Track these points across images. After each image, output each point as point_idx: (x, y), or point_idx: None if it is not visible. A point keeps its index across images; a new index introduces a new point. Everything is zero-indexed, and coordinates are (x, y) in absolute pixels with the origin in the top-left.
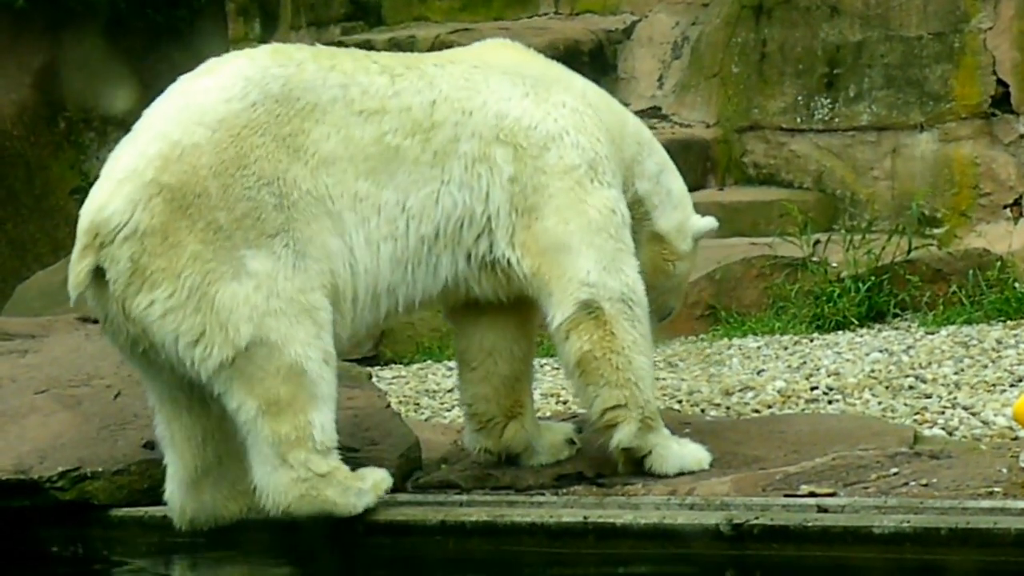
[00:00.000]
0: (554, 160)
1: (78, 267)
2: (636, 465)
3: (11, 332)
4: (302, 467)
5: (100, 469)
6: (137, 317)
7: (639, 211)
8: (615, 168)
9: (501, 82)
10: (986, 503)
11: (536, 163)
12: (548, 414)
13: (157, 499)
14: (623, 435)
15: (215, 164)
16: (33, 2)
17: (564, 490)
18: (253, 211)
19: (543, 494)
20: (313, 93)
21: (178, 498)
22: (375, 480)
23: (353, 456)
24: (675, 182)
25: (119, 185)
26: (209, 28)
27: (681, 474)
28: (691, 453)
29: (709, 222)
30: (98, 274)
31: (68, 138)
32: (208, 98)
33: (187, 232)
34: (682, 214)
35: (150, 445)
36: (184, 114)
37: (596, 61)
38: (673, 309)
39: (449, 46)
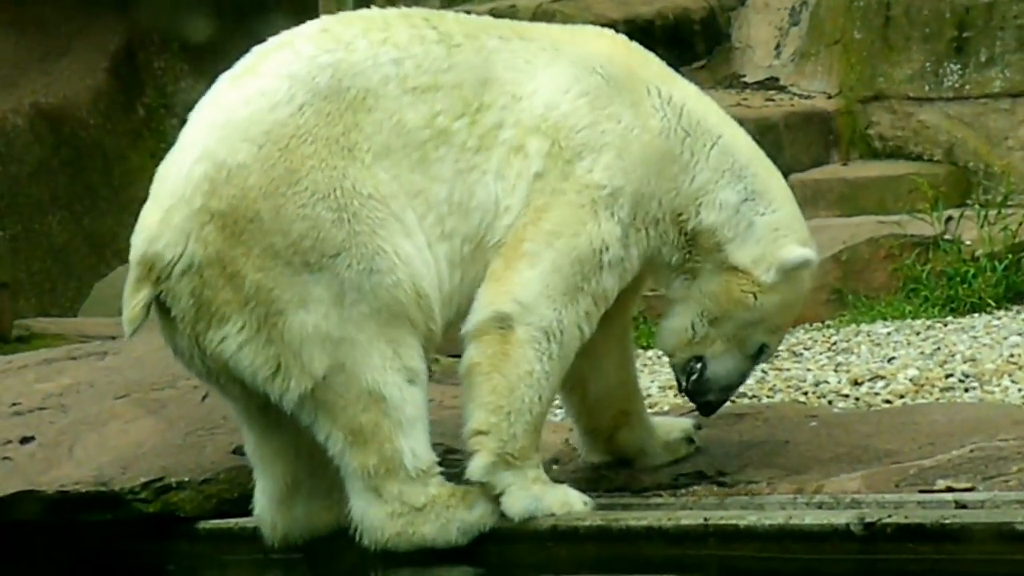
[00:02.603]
0: (582, 171)
1: (133, 300)
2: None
3: (89, 333)
4: (396, 501)
5: (186, 479)
6: (213, 353)
7: (708, 241)
8: (636, 204)
9: (564, 72)
10: None
11: (566, 167)
12: (666, 408)
13: (248, 510)
14: (474, 466)
15: (264, 184)
16: None
17: (683, 491)
18: (311, 231)
19: (660, 495)
20: (363, 77)
21: (269, 514)
22: (482, 512)
23: (457, 459)
24: (763, 215)
25: (168, 214)
26: (297, 3)
27: (530, 518)
28: (554, 497)
29: (799, 256)
30: (161, 307)
31: (148, 125)
32: (251, 108)
33: (244, 260)
34: (764, 248)
35: (240, 451)
36: (227, 129)
37: (708, 30)
38: (765, 346)
39: (552, 16)
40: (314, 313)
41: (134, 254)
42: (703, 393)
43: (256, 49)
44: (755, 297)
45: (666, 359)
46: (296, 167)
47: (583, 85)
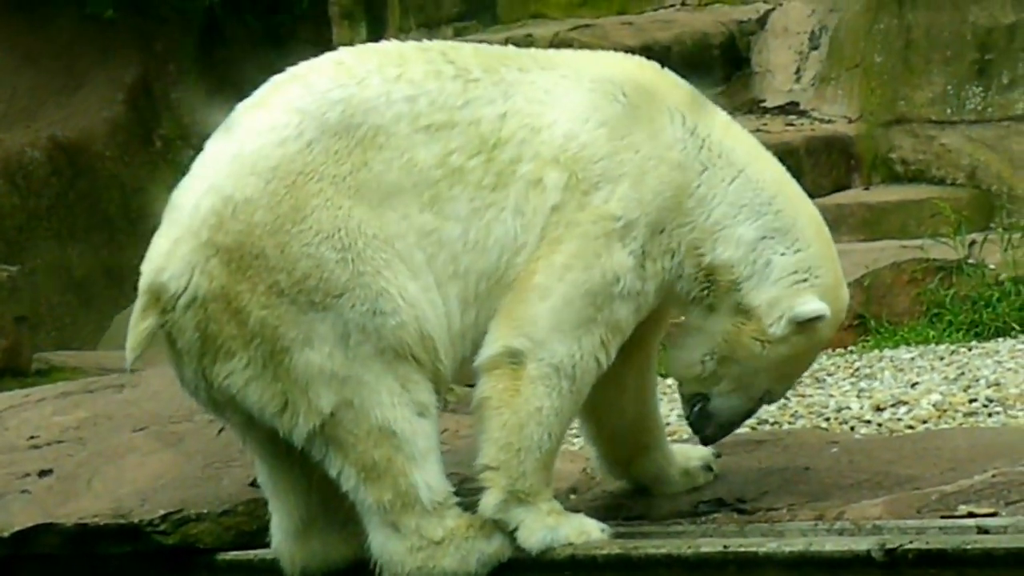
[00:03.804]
0: (599, 202)
1: (138, 328)
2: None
3: (108, 366)
4: (414, 535)
5: (205, 511)
6: (219, 387)
7: (725, 278)
8: (650, 235)
9: (584, 100)
10: None
11: (583, 199)
12: (685, 437)
13: (266, 542)
14: (485, 503)
15: (270, 220)
16: (123, 12)
17: (703, 518)
18: (315, 270)
19: (680, 523)
20: (376, 114)
21: (286, 547)
22: (501, 543)
23: (474, 488)
24: (785, 255)
25: (175, 245)
26: (312, 34)
27: (548, 549)
28: (571, 527)
29: (812, 311)
30: (168, 337)
31: (164, 157)
32: (260, 142)
33: (249, 296)
34: (780, 292)
35: (257, 483)
36: (236, 162)
37: (727, 55)
38: (769, 392)
39: (569, 44)
40: (319, 351)
41: (142, 282)
42: (702, 427)
43: (271, 80)
44: (762, 346)
45: None
46: (302, 205)
47: (603, 114)
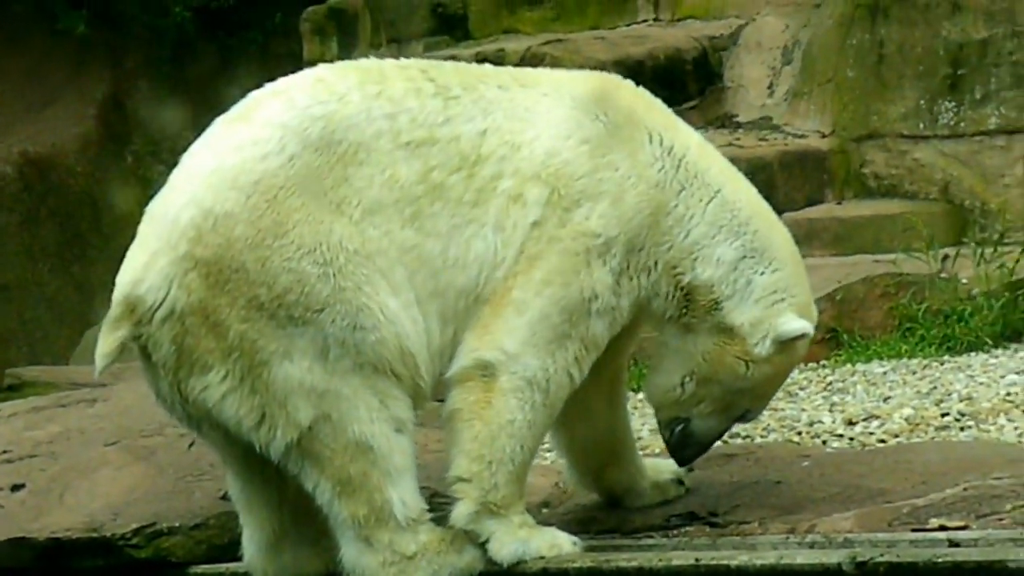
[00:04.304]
0: (579, 219)
1: (109, 338)
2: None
3: (80, 381)
4: (387, 550)
5: (177, 524)
6: (195, 401)
7: (705, 298)
8: (628, 253)
9: (567, 118)
10: None
11: (564, 215)
12: (657, 451)
13: (238, 555)
14: (457, 513)
15: (251, 235)
16: (94, 28)
17: (674, 531)
18: (295, 285)
19: (651, 536)
20: (356, 131)
21: (258, 561)
22: (472, 557)
23: (444, 503)
24: (764, 275)
25: (153, 257)
26: (283, 49)
27: (519, 562)
28: (542, 540)
29: (796, 329)
30: (143, 351)
31: (136, 173)
32: (241, 156)
33: (228, 310)
34: (762, 311)
35: (229, 497)
36: (216, 176)
37: (700, 70)
38: (749, 412)
39: (541, 59)
40: (298, 365)
41: (117, 293)
42: (682, 450)
43: (252, 95)
44: (747, 367)
45: None
46: (283, 220)
47: (585, 132)
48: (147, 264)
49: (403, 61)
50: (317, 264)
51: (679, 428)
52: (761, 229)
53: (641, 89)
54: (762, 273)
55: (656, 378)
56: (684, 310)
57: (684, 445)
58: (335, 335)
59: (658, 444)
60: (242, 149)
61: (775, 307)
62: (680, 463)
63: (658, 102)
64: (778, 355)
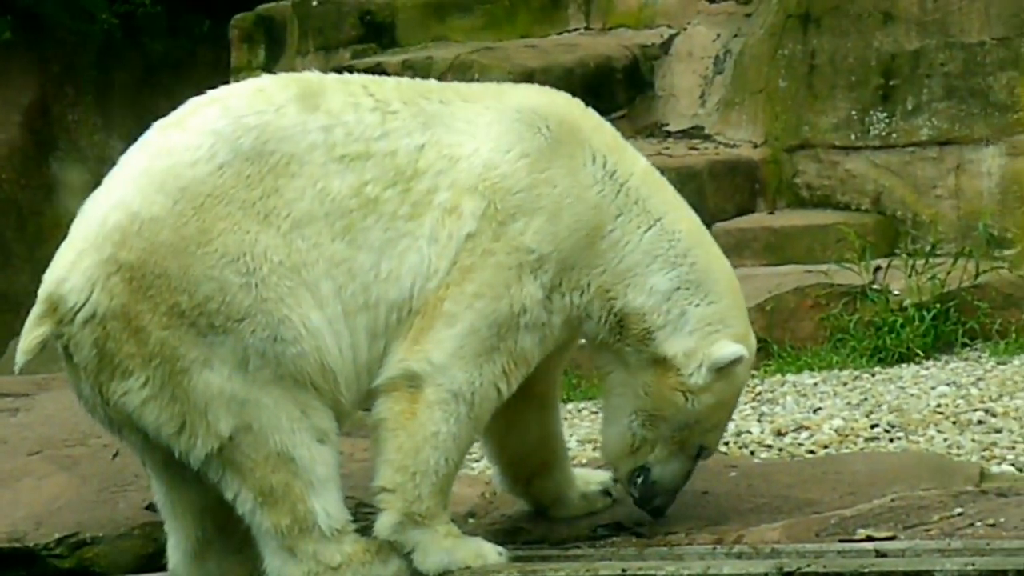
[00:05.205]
0: (514, 233)
1: (31, 334)
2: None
3: (3, 391)
4: (311, 560)
5: (101, 534)
6: (116, 405)
7: (637, 326)
8: (561, 271)
9: (507, 131)
10: None
11: (499, 229)
12: (584, 461)
13: (162, 565)
14: (381, 524)
15: (175, 241)
16: (20, 34)
17: (601, 542)
18: (217, 293)
19: (579, 547)
20: (290, 143)
21: (183, 569)
22: (397, 567)
23: (369, 513)
24: (699, 306)
25: (79, 257)
26: (211, 57)
27: (445, 573)
28: (467, 550)
29: (731, 353)
30: (65, 351)
31: (61, 179)
32: (172, 160)
33: (150, 316)
34: (696, 342)
35: (153, 507)
36: (145, 179)
37: (631, 79)
38: (705, 448)
39: (470, 67)
40: (219, 374)
41: (42, 290)
42: (651, 500)
43: (191, 100)
44: (685, 398)
45: (585, 413)
46: (208, 227)
47: (525, 145)
48: (72, 264)
49: (346, 76)
50: (240, 274)
51: (640, 480)
52: (700, 261)
53: (590, 109)
54: (697, 305)
55: (606, 430)
56: (618, 337)
57: (651, 495)
58: (255, 346)
59: (586, 455)
60: (173, 154)
61: (710, 338)
62: (654, 515)
63: (607, 125)
64: (717, 383)
